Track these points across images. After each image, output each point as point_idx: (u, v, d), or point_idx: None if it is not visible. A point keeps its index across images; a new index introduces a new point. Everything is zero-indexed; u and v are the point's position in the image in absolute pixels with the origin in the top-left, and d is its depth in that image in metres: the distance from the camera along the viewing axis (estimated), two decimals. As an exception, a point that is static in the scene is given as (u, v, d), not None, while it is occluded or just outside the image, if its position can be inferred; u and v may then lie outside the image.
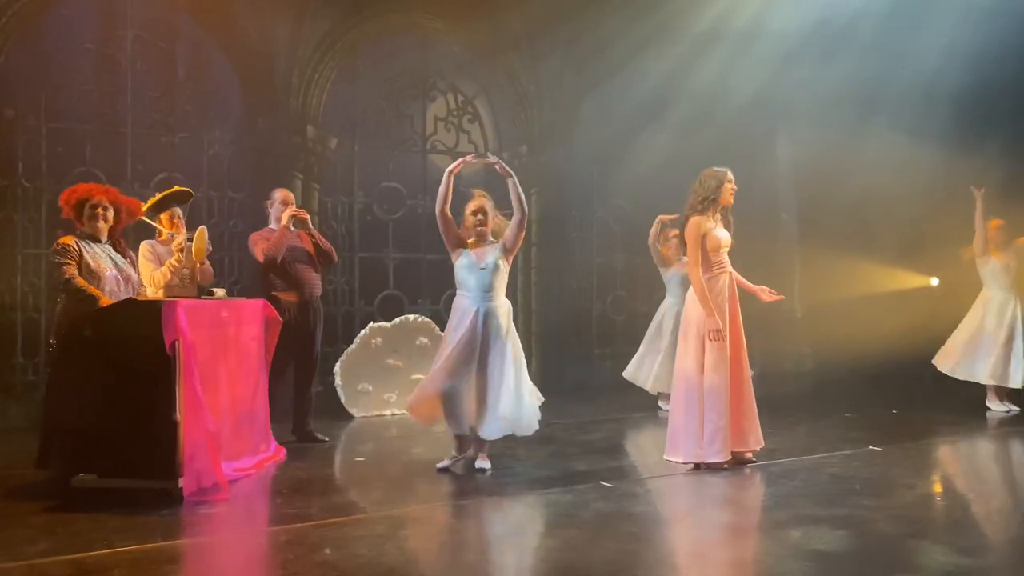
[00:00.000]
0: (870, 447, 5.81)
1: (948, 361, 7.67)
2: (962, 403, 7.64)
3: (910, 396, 8.28)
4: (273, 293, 6.01)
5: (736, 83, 9.28)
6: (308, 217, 6.17)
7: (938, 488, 5.11)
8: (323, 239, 6.30)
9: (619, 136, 9.43)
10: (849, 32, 8.95)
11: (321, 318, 6.30)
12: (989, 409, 7.42)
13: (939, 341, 7.90)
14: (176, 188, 5.87)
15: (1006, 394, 7.48)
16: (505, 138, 9.42)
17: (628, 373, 7.65)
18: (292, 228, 6.07)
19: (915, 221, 9.65)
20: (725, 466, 5.11)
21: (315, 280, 6.20)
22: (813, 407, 7.83)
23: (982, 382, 7.49)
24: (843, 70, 9.11)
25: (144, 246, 5.59)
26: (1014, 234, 7.56)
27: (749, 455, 5.28)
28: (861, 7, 8.82)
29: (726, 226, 5.31)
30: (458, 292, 5.26)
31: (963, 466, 5.90)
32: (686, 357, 5.20)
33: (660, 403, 7.47)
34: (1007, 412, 7.33)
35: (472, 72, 9.21)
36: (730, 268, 5.26)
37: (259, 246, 6.03)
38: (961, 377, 7.57)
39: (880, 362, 8.82)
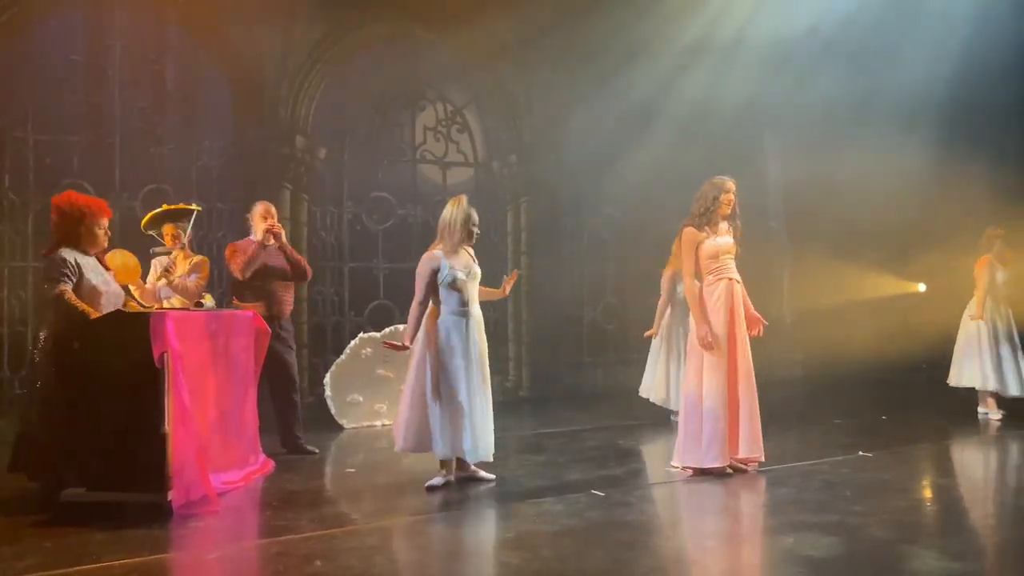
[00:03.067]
0: (860, 453, 5.83)
1: (953, 374, 7.72)
2: (951, 408, 7.68)
3: (900, 401, 8.31)
4: (242, 306, 5.97)
5: (725, 92, 9.34)
6: (281, 231, 6.06)
7: (928, 493, 5.12)
8: (296, 255, 6.16)
9: (609, 145, 9.46)
10: (837, 41, 9.03)
11: (292, 334, 6.21)
12: (985, 413, 7.45)
13: (927, 346, 7.95)
14: (181, 206, 5.96)
15: (995, 399, 7.52)
16: (495, 147, 9.45)
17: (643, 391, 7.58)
18: (267, 244, 6.00)
19: (903, 228, 9.72)
20: (728, 470, 5.14)
21: (286, 296, 6.10)
22: (803, 413, 7.85)
23: (978, 387, 7.53)
24: (831, 79, 9.19)
25: (154, 261, 5.78)
26: (1012, 242, 7.63)
27: (752, 465, 5.29)
28: (849, 16, 8.90)
29: (733, 232, 5.31)
30: (443, 305, 4.95)
31: (953, 471, 5.92)
32: (690, 365, 5.27)
33: (671, 415, 7.44)
34: (998, 418, 7.36)
35: (462, 81, 9.24)
36: (732, 275, 5.25)
37: (236, 259, 5.97)
38: (966, 384, 7.60)
39: (870, 368, 8.87)
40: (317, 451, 6.14)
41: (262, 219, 6.03)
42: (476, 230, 5.08)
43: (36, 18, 7.31)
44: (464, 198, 5.11)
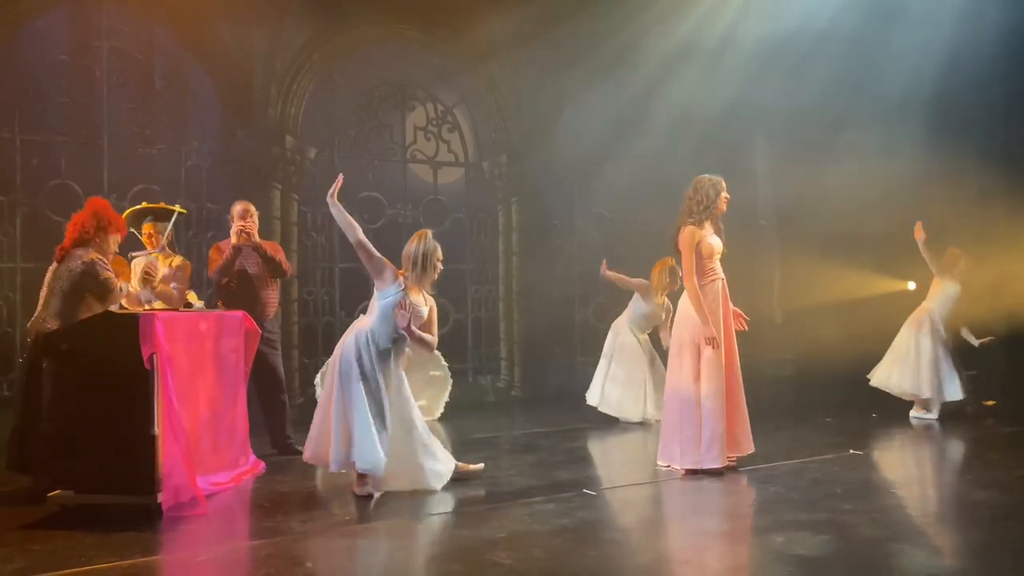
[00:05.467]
0: (851, 451, 5.85)
1: (880, 375, 7.84)
2: (941, 407, 7.70)
3: (889, 400, 8.33)
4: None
5: (714, 90, 9.35)
6: (252, 232, 5.91)
7: (918, 491, 5.14)
8: (271, 253, 6.00)
9: (599, 144, 9.46)
10: (826, 39, 9.04)
11: (278, 335, 6.14)
12: (919, 417, 7.47)
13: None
14: (163, 205, 5.89)
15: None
16: (485, 147, 9.45)
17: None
18: (242, 245, 5.90)
19: (892, 226, 9.73)
20: (723, 472, 5.16)
21: (267, 297, 6.02)
22: (794, 412, 7.87)
23: (913, 393, 7.62)
24: (820, 77, 9.20)
25: (135, 262, 5.62)
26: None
27: (734, 461, 5.33)
28: (836, 15, 8.92)
29: (717, 233, 5.36)
30: (378, 325, 4.85)
31: (942, 469, 5.95)
32: (681, 364, 5.25)
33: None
34: (934, 418, 7.37)
35: (451, 81, 9.23)
36: (722, 275, 5.31)
37: (212, 263, 5.94)
38: (895, 390, 7.70)
39: (860, 367, 8.88)
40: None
41: (239, 219, 5.93)
42: (439, 265, 4.88)
43: (23, 18, 7.26)
44: (428, 232, 4.95)
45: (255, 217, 6.05)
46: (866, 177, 9.34)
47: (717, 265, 5.29)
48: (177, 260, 5.90)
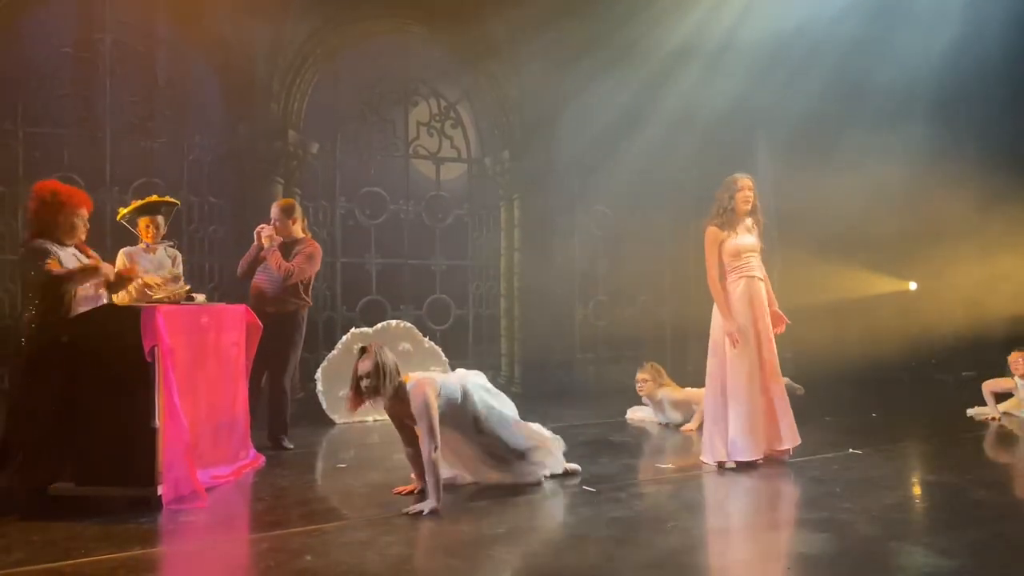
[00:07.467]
0: (850, 450, 5.85)
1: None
2: (940, 406, 7.71)
3: (889, 399, 8.35)
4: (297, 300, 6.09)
5: (716, 90, 9.34)
6: (266, 237, 5.95)
7: (917, 490, 5.14)
8: (279, 259, 5.95)
9: (601, 141, 9.46)
10: (827, 40, 9.04)
11: (284, 331, 6.04)
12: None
13: (917, 344, 7.97)
14: (155, 197, 5.82)
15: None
16: (487, 143, 9.45)
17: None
18: (267, 245, 5.98)
19: (893, 226, 9.74)
20: (759, 463, 5.27)
21: (279, 295, 6.00)
22: (794, 411, 7.86)
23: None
24: (822, 78, 9.20)
25: (121, 254, 5.52)
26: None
27: (786, 453, 5.46)
28: (838, 16, 8.92)
29: (750, 229, 5.47)
30: None
31: (942, 468, 5.95)
32: (714, 362, 5.40)
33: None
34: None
35: (454, 77, 9.23)
36: (756, 273, 5.43)
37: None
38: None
39: (859, 366, 8.89)
40: (292, 447, 6.05)
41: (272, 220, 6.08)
42: (363, 383, 4.30)
43: (26, 10, 7.27)
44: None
45: (293, 217, 6.10)
46: (867, 177, 9.35)
47: (746, 263, 5.40)
48: (171, 252, 5.78)
